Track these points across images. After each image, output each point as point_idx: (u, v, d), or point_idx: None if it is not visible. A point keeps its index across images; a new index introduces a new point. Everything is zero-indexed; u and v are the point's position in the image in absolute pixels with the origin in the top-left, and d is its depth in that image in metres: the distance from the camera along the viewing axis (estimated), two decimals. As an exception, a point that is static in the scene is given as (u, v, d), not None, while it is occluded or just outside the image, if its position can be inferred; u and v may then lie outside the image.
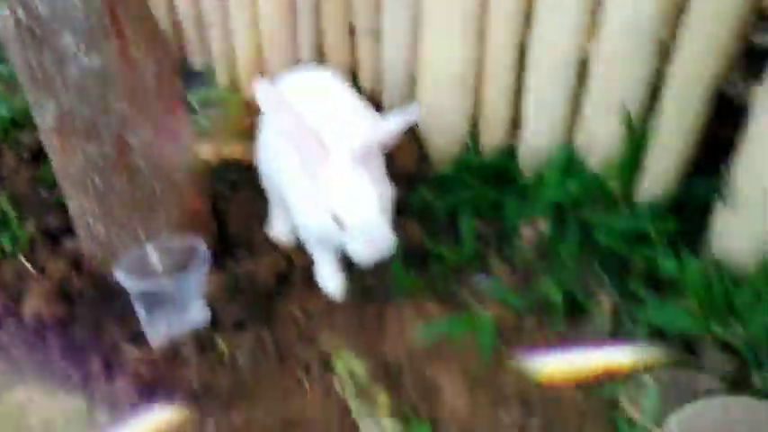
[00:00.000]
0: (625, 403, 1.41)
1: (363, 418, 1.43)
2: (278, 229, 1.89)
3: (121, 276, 1.56)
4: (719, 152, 1.71)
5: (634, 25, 1.57)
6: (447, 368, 1.51)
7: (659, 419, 1.33)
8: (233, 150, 2.21)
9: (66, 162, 1.56)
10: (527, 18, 1.75)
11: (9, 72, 2.83)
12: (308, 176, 1.46)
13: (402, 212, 1.87)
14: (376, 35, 2.08)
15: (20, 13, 1.36)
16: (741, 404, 1.23)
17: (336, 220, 1.41)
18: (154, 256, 1.68)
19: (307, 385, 1.52)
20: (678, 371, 1.42)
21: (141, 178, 1.61)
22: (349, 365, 1.54)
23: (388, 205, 1.47)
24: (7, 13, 1.37)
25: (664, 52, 1.60)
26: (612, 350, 1.50)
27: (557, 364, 1.51)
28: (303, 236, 1.74)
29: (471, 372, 1.50)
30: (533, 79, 1.79)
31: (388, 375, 1.53)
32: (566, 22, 1.65)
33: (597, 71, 1.68)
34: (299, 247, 1.87)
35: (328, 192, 1.42)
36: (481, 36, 1.83)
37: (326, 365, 1.56)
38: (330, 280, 1.74)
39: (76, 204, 1.64)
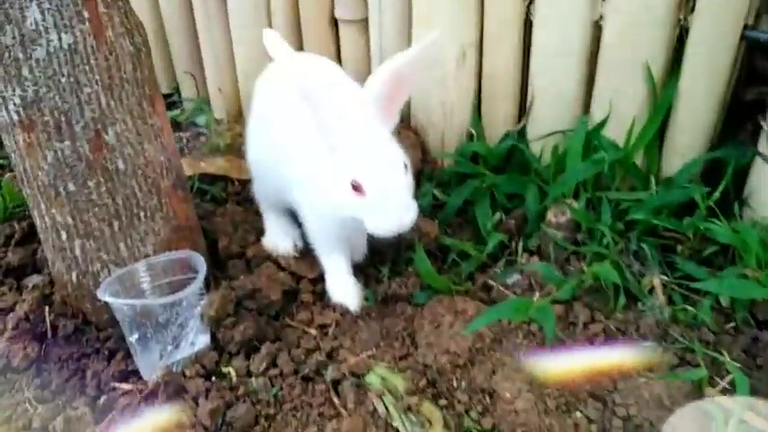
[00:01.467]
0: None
1: (414, 435, 1.21)
2: (275, 240, 1.67)
3: (107, 297, 1.31)
4: (743, 115, 1.61)
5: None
6: (500, 368, 1.30)
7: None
8: (212, 165, 1.99)
9: (32, 164, 1.32)
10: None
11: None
12: (321, 145, 1.28)
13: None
14: (361, 25, 1.91)
15: (-27, -18, 1.14)
16: (741, 404, 1.15)
17: (357, 186, 1.22)
18: (144, 276, 1.43)
19: (340, 407, 1.28)
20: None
21: (120, 182, 1.38)
22: (386, 380, 1.32)
23: (409, 170, 1.28)
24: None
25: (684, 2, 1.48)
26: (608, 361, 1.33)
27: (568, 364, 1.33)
28: (312, 239, 1.54)
29: (529, 369, 1.29)
30: (542, 51, 1.64)
31: (433, 385, 1.31)
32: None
33: (612, 33, 1.54)
34: (302, 260, 1.65)
35: (346, 156, 1.24)
36: (481, 7, 1.67)
37: (359, 382, 1.33)
38: (345, 291, 1.53)
39: (45, 218, 1.39)
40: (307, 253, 1.65)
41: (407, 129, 1.89)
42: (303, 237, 1.65)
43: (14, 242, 1.77)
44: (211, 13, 2.14)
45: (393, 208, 1.22)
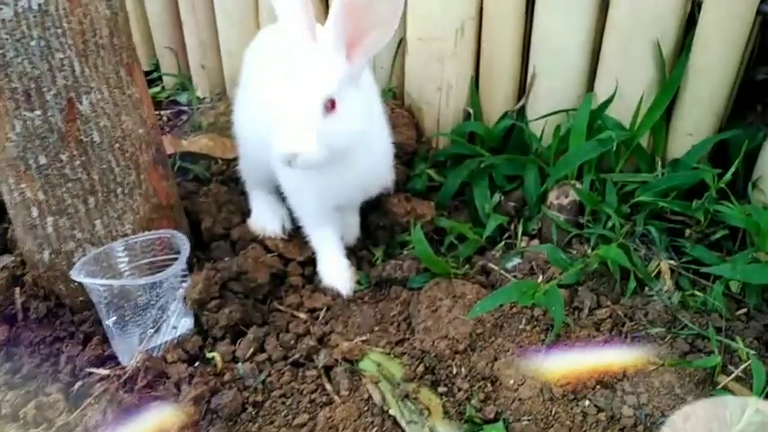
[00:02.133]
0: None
1: (412, 424, 1.13)
2: (262, 221, 1.59)
3: (82, 278, 1.22)
4: (754, 95, 1.55)
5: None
6: (502, 355, 1.23)
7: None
8: (195, 143, 1.90)
9: (0, 135, 1.22)
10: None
11: None
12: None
13: (408, 192, 1.63)
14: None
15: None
16: (741, 404, 1.11)
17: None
18: (121, 256, 1.34)
19: (333, 393, 1.20)
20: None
21: (96, 155, 1.29)
22: (381, 366, 1.24)
23: (340, 117, 1.19)
24: None
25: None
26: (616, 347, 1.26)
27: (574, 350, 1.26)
28: (297, 213, 1.47)
29: (532, 356, 1.22)
30: (545, 27, 1.56)
31: (431, 371, 1.24)
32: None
33: (621, 9, 1.46)
34: (290, 241, 1.57)
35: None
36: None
37: (352, 368, 1.25)
38: (337, 273, 1.45)
39: (14, 193, 1.30)
40: (295, 235, 1.58)
41: (401, 107, 1.81)
42: (292, 218, 1.57)
43: (-17, 222, 1.67)
44: (196, -13, 2.04)
45: (287, 131, 1.15)
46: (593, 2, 1.49)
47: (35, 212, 1.31)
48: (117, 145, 1.31)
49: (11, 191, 1.30)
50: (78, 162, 1.27)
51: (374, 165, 1.40)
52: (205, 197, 1.68)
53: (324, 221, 1.46)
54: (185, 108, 2.17)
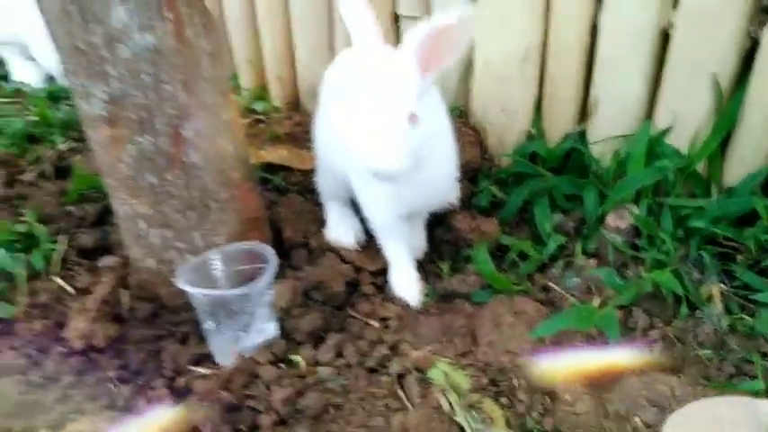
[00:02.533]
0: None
1: None
2: (337, 232, 1.72)
3: (187, 286, 1.38)
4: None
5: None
6: (560, 371, 1.34)
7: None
8: (274, 154, 2.05)
9: (114, 157, 1.39)
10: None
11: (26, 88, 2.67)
12: None
13: (472, 209, 1.74)
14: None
15: (66, -17, 1.19)
16: (741, 404, 1.15)
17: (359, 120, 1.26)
18: (216, 265, 1.50)
19: (406, 400, 1.34)
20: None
21: (196, 175, 1.44)
22: (449, 376, 1.37)
23: (423, 134, 1.29)
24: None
25: (755, 8, 1.47)
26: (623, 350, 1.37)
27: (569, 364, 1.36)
28: (372, 226, 1.60)
29: (589, 373, 1.33)
30: (607, 53, 1.65)
31: (494, 383, 1.36)
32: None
33: (681, 43, 1.54)
34: (363, 252, 1.71)
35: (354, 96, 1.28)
36: (547, 9, 1.68)
37: (422, 377, 1.38)
38: (407, 285, 1.58)
39: (125, 207, 1.46)
40: (367, 245, 1.71)
41: (466, 126, 1.92)
42: (364, 229, 1.71)
43: (87, 224, 1.85)
44: (273, 2, 2.17)
45: (377, 146, 1.23)
46: (654, 34, 1.57)
47: (142, 225, 1.47)
48: (213, 165, 1.46)
49: (122, 205, 1.47)
50: (181, 181, 1.43)
51: (442, 174, 1.50)
52: (285, 207, 1.83)
53: (396, 235, 1.58)
54: (262, 117, 2.32)
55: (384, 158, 1.23)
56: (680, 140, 1.63)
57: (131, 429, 1.30)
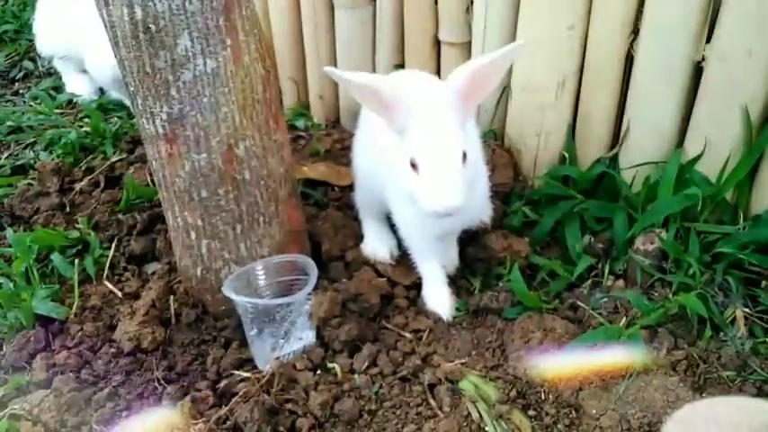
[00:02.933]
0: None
1: (505, 441, 1.32)
2: (373, 246, 1.80)
3: (234, 295, 1.47)
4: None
5: (757, 17, 1.49)
6: (587, 386, 1.40)
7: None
8: (314, 170, 2.14)
9: (171, 172, 1.48)
10: (635, 20, 1.67)
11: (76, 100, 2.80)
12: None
13: (504, 228, 1.81)
14: (464, 47, 2.02)
15: (137, 11, 1.29)
16: (741, 404, 1.18)
17: (414, 164, 1.33)
18: (260, 275, 1.59)
19: (437, 408, 1.41)
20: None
21: (246, 191, 1.53)
22: (479, 387, 1.43)
23: (469, 161, 1.36)
24: (124, 12, 1.30)
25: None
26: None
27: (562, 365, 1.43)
28: (408, 244, 1.68)
29: (614, 388, 1.39)
30: (641, 83, 1.71)
31: (522, 396, 1.42)
32: (676, 20, 1.57)
33: (712, 77, 1.60)
34: (397, 267, 1.78)
35: (410, 137, 1.35)
36: (585, 39, 1.75)
37: (453, 388, 1.45)
38: (439, 300, 1.65)
39: (178, 219, 1.56)
40: (402, 260, 1.78)
41: (501, 148, 1.99)
42: (399, 245, 1.78)
43: (136, 232, 1.96)
44: (319, 26, 2.28)
45: (439, 188, 1.30)
46: (687, 67, 1.62)
47: (193, 236, 1.57)
48: (262, 182, 1.55)
49: (175, 217, 1.56)
50: (231, 196, 1.52)
51: (476, 195, 1.56)
52: (323, 221, 1.91)
53: (430, 253, 1.66)
54: (303, 134, 2.42)
55: (446, 200, 1.30)
56: (710, 168, 1.68)
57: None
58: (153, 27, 1.31)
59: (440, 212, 1.31)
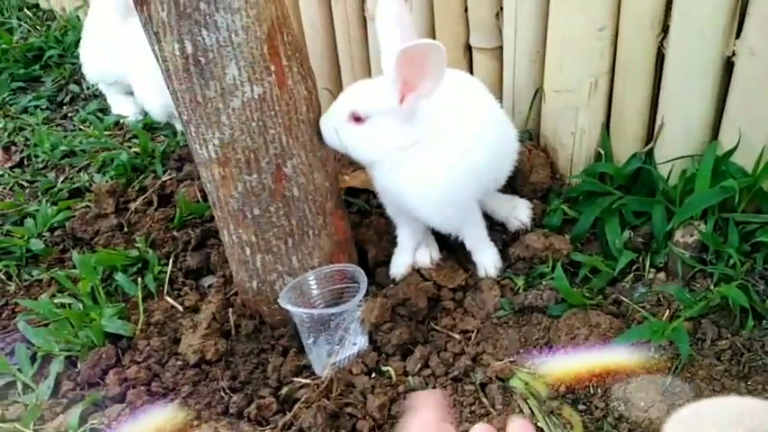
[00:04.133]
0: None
1: (557, 436, 1.38)
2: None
3: (290, 306, 1.55)
4: None
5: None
6: (634, 379, 1.45)
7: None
8: (356, 179, 2.21)
9: (224, 193, 1.57)
10: (664, 18, 1.71)
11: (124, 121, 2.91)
12: None
13: (544, 227, 1.85)
14: (495, 52, 2.07)
15: (188, 46, 1.38)
16: (741, 404, 1.17)
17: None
18: (312, 285, 1.67)
19: (489, 407, 1.47)
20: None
21: (295, 206, 1.61)
22: (529, 384, 1.49)
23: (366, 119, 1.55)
24: (176, 47, 1.38)
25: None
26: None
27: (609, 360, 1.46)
28: (461, 221, 1.77)
29: (661, 380, 1.44)
30: (673, 79, 1.74)
31: (571, 391, 1.48)
32: (705, 17, 1.60)
33: (743, 71, 1.62)
34: (441, 269, 1.85)
35: None
36: (615, 36, 1.79)
37: (504, 386, 1.51)
38: (397, 262, 1.84)
39: (233, 236, 1.64)
40: (444, 264, 1.85)
41: (537, 148, 2.03)
42: (440, 248, 1.85)
43: (191, 247, 2.05)
44: (352, 39, 2.35)
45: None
46: (717, 62, 1.65)
47: (248, 251, 1.65)
48: (310, 197, 1.63)
49: (230, 234, 1.65)
50: (282, 212, 1.60)
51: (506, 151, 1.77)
52: (367, 228, 1.99)
53: (401, 222, 1.83)
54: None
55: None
56: (745, 159, 1.70)
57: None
58: (203, 59, 1.40)
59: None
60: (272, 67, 1.47)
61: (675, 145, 1.80)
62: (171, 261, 2.01)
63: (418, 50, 1.40)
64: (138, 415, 1.52)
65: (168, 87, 1.49)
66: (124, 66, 2.73)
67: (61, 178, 2.55)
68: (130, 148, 2.62)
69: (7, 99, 3.27)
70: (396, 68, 1.45)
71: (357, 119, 1.53)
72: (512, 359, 1.58)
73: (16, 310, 1.93)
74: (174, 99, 1.50)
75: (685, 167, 1.79)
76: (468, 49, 2.14)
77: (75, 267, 1.99)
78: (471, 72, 2.18)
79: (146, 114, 2.93)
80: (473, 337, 1.67)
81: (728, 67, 1.66)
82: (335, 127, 1.56)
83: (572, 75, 1.86)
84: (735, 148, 1.69)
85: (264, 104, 1.48)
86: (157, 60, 1.46)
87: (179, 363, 1.68)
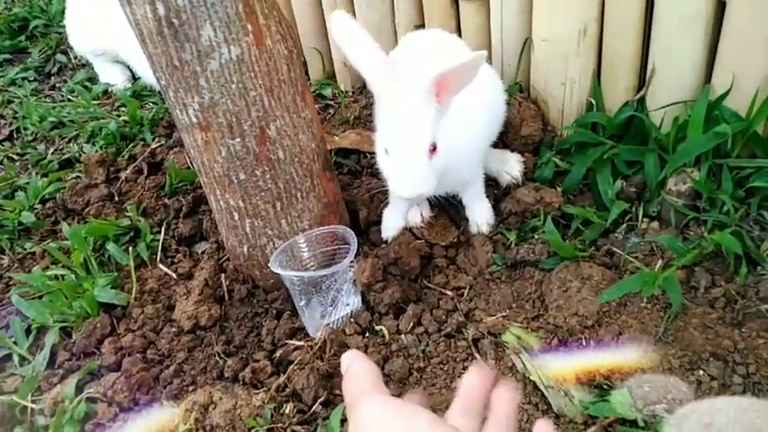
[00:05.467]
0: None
1: (550, 388, 1.38)
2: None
3: (281, 270, 1.54)
4: None
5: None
6: (626, 330, 1.45)
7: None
8: (346, 139, 2.18)
9: (208, 158, 1.55)
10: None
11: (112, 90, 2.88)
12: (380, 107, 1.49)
13: (536, 181, 1.83)
14: (482, 3, 2.02)
15: (159, 7, 1.34)
16: (741, 404, 1.15)
17: (387, 151, 1.47)
18: (303, 247, 1.66)
19: (482, 361, 1.47)
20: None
21: (281, 169, 1.59)
22: (521, 339, 1.49)
23: (439, 153, 1.45)
24: (147, 9, 1.35)
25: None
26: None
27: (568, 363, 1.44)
28: (473, 173, 1.77)
29: (655, 332, 1.43)
30: (664, 23, 1.69)
31: (564, 344, 1.48)
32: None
33: (736, 9, 1.57)
34: (432, 227, 1.83)
35: (383, 125, 1.49)
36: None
37: (496, 341, 1.51)
38: (389, 221, 1.82)
39: (221, 202, 1.63)
40: (435, 222, 1.83)
41: (527, 100, 2.00)
42: (430, 205, 1.84)
43: (183, 214, 2.04)
44: (337, -7, 2.29)
45: (403, 177, 1.43)
46: (709, 4, 1.60)
47: (236, 216, 1.64)
48: (296, 159, 1.61)
49: (217, 200, 1.64)
50: (268, 175, 1.58)
51: (459, 171, 1.63)
52: (358, 189, 1.97)
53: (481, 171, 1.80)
54: (331, 102, 2.46)
55: (409, 189, 1.43)
56: (739, 103, 1.67)
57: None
58: (176, 21, 1.36)
59: (403, 198, 1.45)
60: (249, 27, 1.43)
61: (667, 92, 1.77)
62: (163, 229, 2.00)
63: (457, 71, 1.37)
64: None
65: (144, 52, 1.45)
66: (113, 33, 2.68)
67: (51, 150, 2.53)
68: (119, 116, 2.59)
69: (-6, 72, 3.24)
70: (432, 86, 1.39)
71: (434, 149, 1.44)
72: (504, 314, 1.57)
73: (10, 283, 1.93)
74: (151, 64, 1.46)
75: (678, 114, 1.76)
76: (456, 1, 2.09)
77: (67, 239, 1.98)
78: (459, 25, 2.13)
79: (134, 81, 2.89)
80: (465, 294, 1.66)
81: (720, 8, 1.61)
82: (428, 170, 1.44)
83: (560, 23, 1.82)
84: (728, 92, 1.66)
85: (243, 66, 1.45)
86: (130, 24, 1.42)
87: (174, 329, 1.68)
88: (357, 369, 0.75)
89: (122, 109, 2.66)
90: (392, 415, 0.67)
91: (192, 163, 1.91)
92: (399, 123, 1.42)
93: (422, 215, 1.83)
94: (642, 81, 1.84)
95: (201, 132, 1.51)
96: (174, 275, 1.85)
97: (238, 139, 1.51)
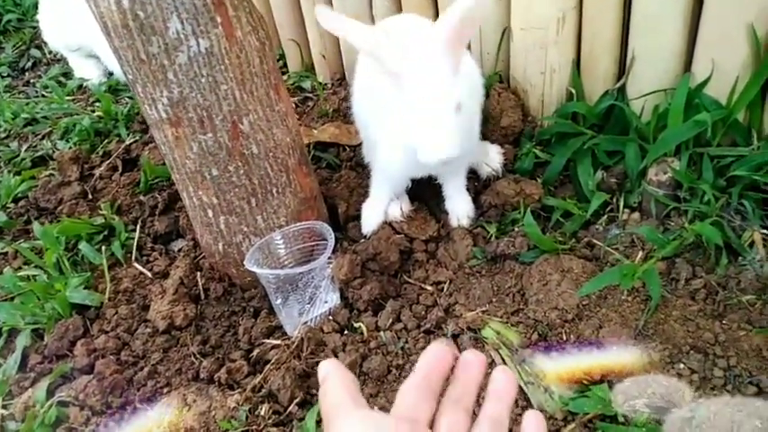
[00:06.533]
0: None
1: (530, 384, 1.36)
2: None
3: (256, 268, 1.51)
4: None
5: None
6: (606, 323, 1.42)
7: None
8: (324, 132, 2.15)
9: (180, 155, 1.51)
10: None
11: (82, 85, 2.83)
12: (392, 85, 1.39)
13: (516, 173, 1.81)
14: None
15: (124, 0, 1.30)
16: (740, 404, 1.19)
17: (411, 110, 1.36)
18: (279, 244, 1.62)
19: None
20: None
21: (255, 164, 1.55)
22: (500, 334, 1.47)
23: (462, 110, 1.39)
24: (111, 2, 1.30)
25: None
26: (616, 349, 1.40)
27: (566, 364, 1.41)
28: (376, 174, 1.76)
29: (636, 325, 1.41)
30: (643, 10, 1.67)
31: (544, 339, 1.45)
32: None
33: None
34: (412, 221, 1.80)
35: (408, 89, 1.36)
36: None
37: (476, 336, 1.48)
38: (370, 215, 1.79)
39: (194, 198, 1.59)
40: (415, 216, 1.80)
41: (507, 90, 1.97)
42: (410, 200, 1.81)
43: (158, 212, 2.00)
44: (314, -17, 2.25)
45: (436, 138, 1.34)
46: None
47: (210, 213, 1.60)
48: (271, 154, 1.57)
49: (191, 197, 1.60)
50: (242, 171, 1.54)
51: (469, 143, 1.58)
52: (338, 183, 1.94)
53: (394, 186, 1.77)
54: (309, 94, 2.42)
55: (443, 150, 1.34)
56: (719, 90, 1.64)
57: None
58: (141, 13, 1.32)
59: (436, 162, 1.35)
60: (218, 18, 1.39)
61: (648, 80, 1.74)
62: (138, 227, 1.96)
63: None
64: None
65: (110, 46, 1.41)
66: (86, 27, 2.62)
67: (24, 147, 2.48)
68: (93, 112, 2.54)
69: (-33, 68, 3.17)
70: (456, 28, 1.34)
71: (459, 108, 1.38)
72: (484, 309, 1.55)
73: (-19, 285, 1.88)
74: (117, 58, 1.42)
75: (658, 102, 1.74)
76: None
77: (39, 239, 1.93)
78: (437, 16, 2.09)
79: (109, 77, 2.84)
80: (445, 288, 1.64)
81: (700, -6, 1.59)
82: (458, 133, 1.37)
83: (539, 11, 1.79)
84: (708, 79, 1.63)
85: (213, 58, 1.41)
86: (95, 17, 1.38)
87: (148, 330, 1.64)
88: (335, 380, 0.73)
89: (97, 104, 2.61)
90: (371, 430, 0.66)
91: (165, 159, 1.87)
92: (426, 83, 1.34)
93: (401, 209, 1.81)
94: (623, 70, 1.82)
95: (172, 128, 1.47)
96: (149, 274, 1.81)
97: (210, 135, 1.48)
